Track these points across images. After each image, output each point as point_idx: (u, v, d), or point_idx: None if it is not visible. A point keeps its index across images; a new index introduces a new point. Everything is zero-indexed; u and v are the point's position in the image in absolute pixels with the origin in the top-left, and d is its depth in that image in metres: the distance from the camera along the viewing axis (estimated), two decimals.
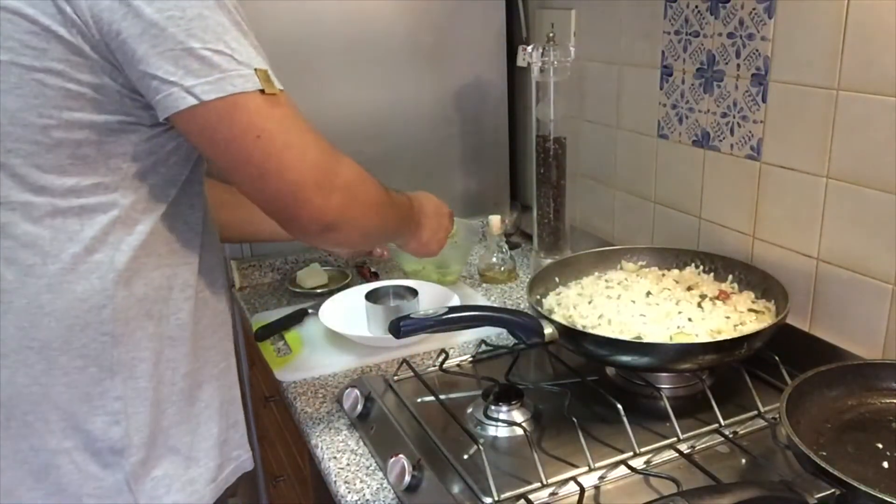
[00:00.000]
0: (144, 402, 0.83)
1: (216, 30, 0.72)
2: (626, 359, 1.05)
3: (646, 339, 1.04)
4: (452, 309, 1.01)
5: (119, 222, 0.79)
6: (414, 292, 1.33)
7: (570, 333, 1.05)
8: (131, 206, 0.80)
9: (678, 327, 1.06)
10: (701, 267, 1.25)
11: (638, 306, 1.13)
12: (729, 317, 1.09)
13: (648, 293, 1.17)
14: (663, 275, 1.26)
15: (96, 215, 0.78)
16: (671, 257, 1.29)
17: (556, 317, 1.12)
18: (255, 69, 0.74)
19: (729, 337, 1.02)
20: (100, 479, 0.82)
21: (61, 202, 0.76)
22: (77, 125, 0.74)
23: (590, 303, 1.15)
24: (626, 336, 1.05)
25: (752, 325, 1.07)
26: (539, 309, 1.12)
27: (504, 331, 1.23)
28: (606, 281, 1.24)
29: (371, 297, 1.32)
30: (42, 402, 0.79)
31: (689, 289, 1.19)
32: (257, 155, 0.74)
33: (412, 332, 0.99)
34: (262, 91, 0.73)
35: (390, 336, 0.99)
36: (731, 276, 1.21)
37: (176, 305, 0.85)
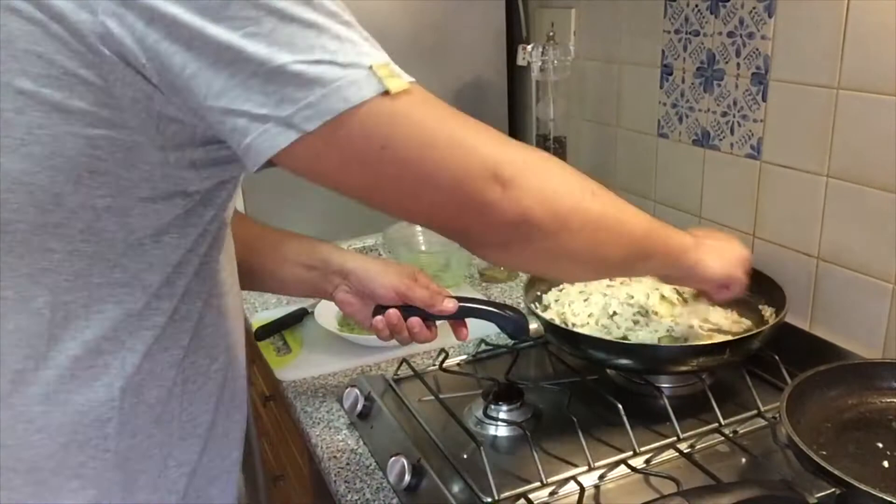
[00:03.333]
0: None
1: (306, 34, 0.55)
2: (613, 360, 1.05)
3: (634, 341, 1.04)
4: None
5: (133, 315, 0.65)
6: None
7: (556, 331, 1.06)
8: (151, 294, 0.65)
9: (667, 330, 1.06)
10: None
11: (634, 307, 1.12)
12: (722, 320, 1.09)
13: (648, 295, 1.17)
14: None
15: (105, 307, 0.63)
16: None
17: (549, 313, 1.12)
18: (371, 66, 0.56)
19: (712, 342, 1.02)
20: None
21: (64, 293, 0.62)
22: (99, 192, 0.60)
23: (586, 300, 1.15)
24: (615, 336, 1.05)
25: (746, 325, 1.07)
26: (532, 306, 1.12)
27: None
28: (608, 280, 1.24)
29: None
30: None
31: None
32: (391, 171, 0.59)
33: None
34: (387, 92, 0.56)
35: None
36: None
37: (188, 399, 0.71)
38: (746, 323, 1.09)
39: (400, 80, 0.57)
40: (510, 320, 1.01)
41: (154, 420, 0.69)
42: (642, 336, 1.06)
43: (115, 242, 0.62)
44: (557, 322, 1.08)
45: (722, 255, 0.90)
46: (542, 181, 0.65)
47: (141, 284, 0.64)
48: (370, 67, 0.56)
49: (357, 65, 0.55)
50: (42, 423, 0.64)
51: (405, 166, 0.59)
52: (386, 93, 0.56)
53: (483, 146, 0.62)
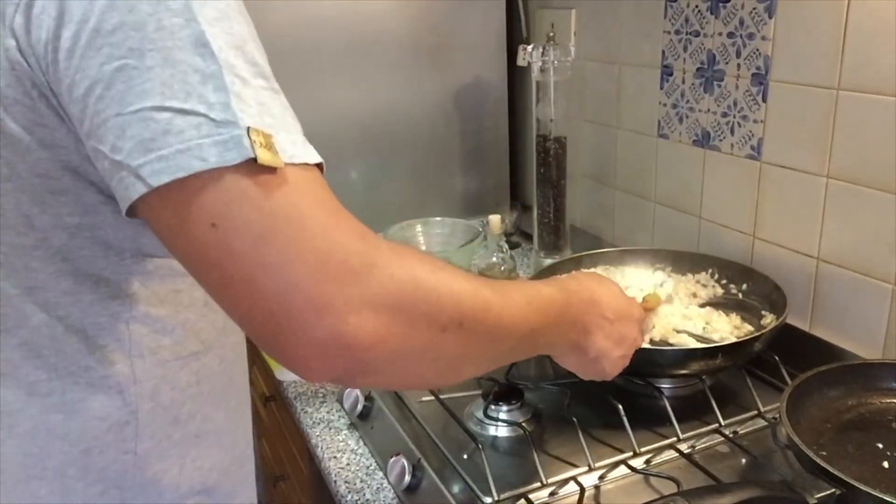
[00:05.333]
0: None
1: (188, 79, 0.48)
2: None
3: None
4: None
5: (133, 324, 0.65)
6: None
7: None
8: (148, 305, 0.65)
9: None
10: (705, 273, 1.25)
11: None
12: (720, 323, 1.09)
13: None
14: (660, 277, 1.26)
15: (101, 320, 0.64)
16: (674, 259, 1.28)
17: None
18: (249, 128, 0.49)
19: (709, 346, 1.01)
20: None
21: (57, 309, 0.62)
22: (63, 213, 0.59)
23: None
24: None
25: (747, 330, 1.07)
26: None
27: None
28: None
29: None
30: None
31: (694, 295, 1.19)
32: (213, 255, 0.49)
33: None
34: (254, 160, 0.48)
35: None
36: (727, 281, 1.20)
37: (202, 400, 0.72)
38: (748, 328, 1.09)
39: (274, 155, 0.49)
40: None
41: (171, 422, 0.69)
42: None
43: (95, 259, 0.61)
44: None
45: (611, 343, 0.83)
46: (394, 315, 0.52)
47: (132, 297, 0.64)
48: (247, 129, 0.48)
49: (232, 123, 0.48)
50: (62, 431, 0.64)
51: (229, 256, 0.49)
52: (253, 161, 0.48)
53: (355, 256, 0.50)
